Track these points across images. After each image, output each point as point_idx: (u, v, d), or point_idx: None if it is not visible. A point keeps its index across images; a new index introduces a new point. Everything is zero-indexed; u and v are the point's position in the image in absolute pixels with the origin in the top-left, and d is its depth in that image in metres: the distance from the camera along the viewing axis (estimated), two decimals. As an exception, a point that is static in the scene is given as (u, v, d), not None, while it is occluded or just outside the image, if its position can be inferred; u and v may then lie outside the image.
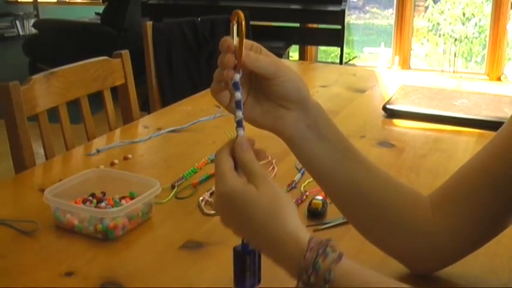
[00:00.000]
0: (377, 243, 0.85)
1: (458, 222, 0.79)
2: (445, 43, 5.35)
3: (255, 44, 0.74)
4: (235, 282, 0.77)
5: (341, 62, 4.41)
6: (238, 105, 0.72)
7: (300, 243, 0.64)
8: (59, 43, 4.93)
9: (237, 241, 0.98)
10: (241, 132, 0.71)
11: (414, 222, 0.81)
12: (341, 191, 0.81)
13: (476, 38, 5.27)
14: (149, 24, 2.27)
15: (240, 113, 0.72)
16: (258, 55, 0.73)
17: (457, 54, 5.28)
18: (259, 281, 0.78)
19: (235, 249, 0.77)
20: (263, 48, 0.75)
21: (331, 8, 4.33)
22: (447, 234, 0.80)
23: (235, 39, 0.71)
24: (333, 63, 5.03)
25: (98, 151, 1.37)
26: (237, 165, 0.70)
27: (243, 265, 0.76)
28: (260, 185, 0.67)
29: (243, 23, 0.69)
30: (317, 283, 0.62)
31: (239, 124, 0.72)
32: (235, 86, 0.71)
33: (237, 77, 0.71)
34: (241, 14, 0.70)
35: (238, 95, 0.71)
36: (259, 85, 0.76)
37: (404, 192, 0.83)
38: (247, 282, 0.77)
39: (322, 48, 5.70)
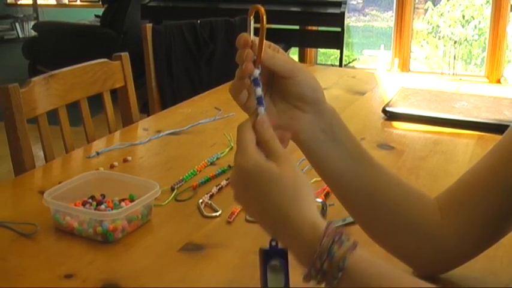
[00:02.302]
0: (384, 244, 0.85)
1: (466, 225, 0.79)
2: (444, 45, 5.35)
3: (273, 44, 0.74)
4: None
5: (341, 65, 4.41)
6: (259, 101, 0.70)
7: (317, 229, 0.63)
8: (59, 45, 4.94)
9: (237, 243, 0.98)
10: (261, 110, 0.69)
11: (423, 225, 0.81)
12: (352, 193, 0.81)
13: (475, 40, 5.27)
14: (149, 26, 2.27)
15: (259, 90, 0.70)
16: (274, 52, 0.72)
17: (456, 57, 5.28)
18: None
19: (264, 250, 0.70)
20: (280, 49, 0.74)
21: (330, 11, 4.33)
22: (454, 238, 0.80)
23: (253, 35, 0.70)
24: (332, 65, 5.02)
25: (98, 153, 1.37)
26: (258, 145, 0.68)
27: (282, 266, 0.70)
28: (282, 164, 0.66)
29: (264, 17, 0.68)
30: (330, 270, 0.61)
31: (259, 102, 0.70)
32: (255, 82, 0.70)
33: (257, 72, 0.70)
34: (262, 9, 0.68)
35: (258, 90, 0.70)
36: (275, 85, 0.75)
37: (415, 196, 0.83)
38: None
39: (321, 50, 5.70)
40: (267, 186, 0.65)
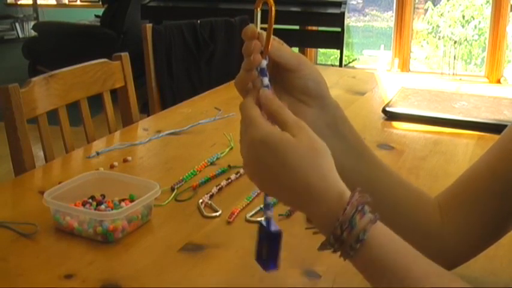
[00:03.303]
0: None
1: (465, 225, 0.79)
2: (444, 45, 5.35)
3: (277, 38, 0.73)
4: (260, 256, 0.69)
5: (341, 65, 4.41)
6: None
7: (342, 196, 0.62)
8: (59, 45, 4.94)
9: (237, 243, 0.98)
10: (265, 80, 0.68)
11: (423, 224, 0.81)
12: (351, 188, 0.80)
13: (476, 40, 5.27)
14: (149, 26, 2.27)
15: (266, 80, 0.69)
16: (280, 45, 0.72)
17: (456, 57, 5.29)
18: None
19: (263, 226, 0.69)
20: (284, 44, 0.74)
21: (330, 11, 4.33)
22: (454, 236, 0.80)
23: (259, 27, 0.69)
24: (332, 65, 5.02)
25: (98, 153, 1.37)
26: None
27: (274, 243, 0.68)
28: (297, 133, 0.64)
29: (273, 8, 0.68)
30: (349, 240, 0.60)
31: (262, 73, 0.69)
32: (262, 72, 0.69)
33: (264, 63, 0.69)
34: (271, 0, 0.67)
35: (265, 80, 0.69)
36: (279, 79, 0.74)
37: (415, 195, 0.83)
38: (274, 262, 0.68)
39: (321, 50, 5.70)
40: (284, 155, 0.63)
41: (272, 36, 0.71)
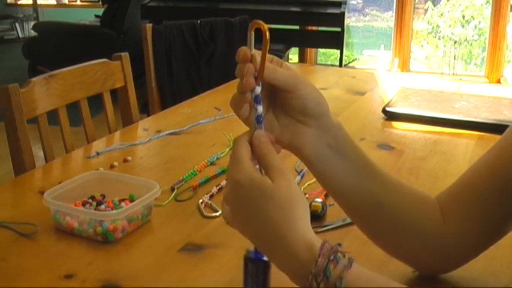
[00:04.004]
0: (385, 246, 0.84)
1: (466, 225, 0.79)
2: (444, 45, 5.35)
3: (276, 58, 0.72)
4: None
5: (341, 65, 4.41)
6: (258, 120, 0.69)
7: (312, 248, 0.62)
8: (59, 46, 4.94)
9: (237, 243, 0.98)
10: (259, 109, 0.68)
11: (425, 226, 0.81)
12: (358, 205, 0.80)
13: (476, 40, 5.27)
14: (149, 26, 2.27)
15: (260, 108, 0.69)
16: (275, 67, 0.70)
17: (456, 57, 5.29)
18: None
19: (247, 256, 0.72)
20: (284, 62, 0.73)
21: (330, 11, 4.33)
22: (455, 237, 0.80)
23: (253, 49, 0.68)
24: (332, 65, 5.02)
25: (98, 153, 1.37)
26: (254, 158, 0.67)
27: (259, 274, 0.70)
28: (277, 180, 0.64)
29: (267, 33, 0.66)
30: None
31: (258, 120, 0.69)
32: (256, 100, 0.69)
33: (258, 90, 0.68)
34: (264, 25, 0.67)
35: (259, 109, 0.69)
36: (278, 99, 0.73)
37: (417, 198, 0.82)
38: None
39: (321, 50, 5.70)
40: (259, 201, 0.63)
41: (270, 56, 0.70)
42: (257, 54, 0.68)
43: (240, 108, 0.70)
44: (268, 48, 0.67)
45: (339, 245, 0.62)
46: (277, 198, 0.63)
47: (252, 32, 0.68)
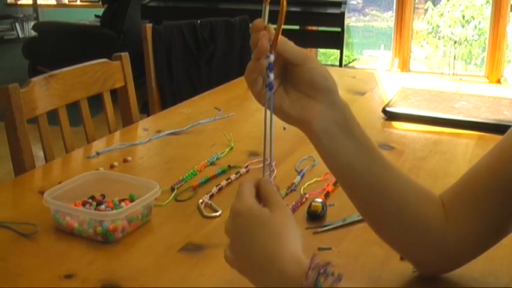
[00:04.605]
0: (388, 240, 0.84)
1: (467, 225, 0.79)
2: (444, 45, 5.35)
3: (282, 37, 0.75)
4: None
5: (340, 65, 4.41)
6: (270, 86, 0.73)
7: (302, 263, 0.64)
8: (59, 46, 4.93)
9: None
10: (271, 76, 0.72)
11: (428, 222, 0.81)
12: (361, 187, 0.80)
13: (476, 40, 5.27)
14: (149, 26, 2.27)
15: (271, 75, 0.72)
16: (287, 40, 0.74)
17: (456, 57, 5.29)
18: None
19: None
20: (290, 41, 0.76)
21: (330, 11, 4.33)
22: (456, 236, 0.80)
23: (267, 21, 0.71)
24: (332, 65, 5.02)
25: (98, 153, 1.37)
26: (259, 198, 0.71)
27: None
28: (274, 210, 0.68)
29: (285, 2, 0.68)
30: None
31: (270, 87, 0.72)
32: (269, 67, 0.72)
33: (272, 57, 0.72)
34: None
35: (271, 75, 0.72)
36: (288, 75, 0.76)
37: (423, 194, 0.83)
38: None
39: (321, 50, 5.71)
40: (255, 228, 0.67)
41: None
42: (271, 26, 0.72)
43: (254, 77, 0.73)
44: (285, 15, 0.69)
45: (328, 262, 0.64)
46: (272, 225, 0.67)
47: (267, 4, 0.70)
